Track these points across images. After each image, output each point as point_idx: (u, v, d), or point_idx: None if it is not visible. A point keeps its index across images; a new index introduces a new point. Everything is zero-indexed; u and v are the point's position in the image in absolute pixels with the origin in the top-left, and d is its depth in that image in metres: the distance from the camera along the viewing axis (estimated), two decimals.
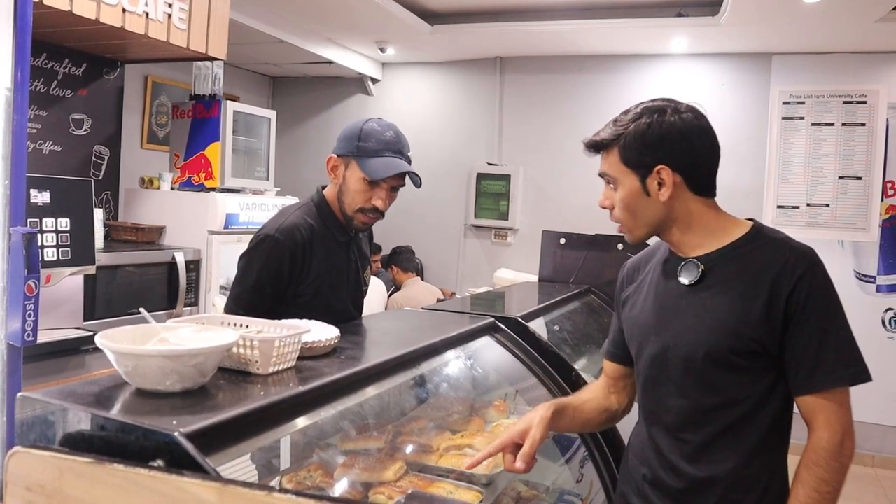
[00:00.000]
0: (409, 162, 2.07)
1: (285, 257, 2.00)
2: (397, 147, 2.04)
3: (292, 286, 2.03)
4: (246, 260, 2.05)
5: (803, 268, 1.43)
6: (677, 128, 1.48)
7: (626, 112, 1.54)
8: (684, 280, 1.53)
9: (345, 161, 2.08)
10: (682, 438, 1.53)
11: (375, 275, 4.90)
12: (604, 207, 1.59)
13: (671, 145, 1.48)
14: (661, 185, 1.49)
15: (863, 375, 1.42)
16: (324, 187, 2.18)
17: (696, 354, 1.48)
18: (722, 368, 1.47)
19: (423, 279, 5.90)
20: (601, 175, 1.57)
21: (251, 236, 2.09)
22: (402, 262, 5.54)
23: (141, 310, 1.47)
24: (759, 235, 1.52)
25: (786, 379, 1.47)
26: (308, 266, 2.04)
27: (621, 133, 1.50)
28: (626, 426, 1.90)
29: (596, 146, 1.56)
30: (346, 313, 2.15)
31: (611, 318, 1.83)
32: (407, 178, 2.10)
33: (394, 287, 5.61)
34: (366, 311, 2.35)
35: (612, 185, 1.54)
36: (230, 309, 1.98)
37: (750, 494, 1.48)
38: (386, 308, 5.22)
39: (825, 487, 1.39)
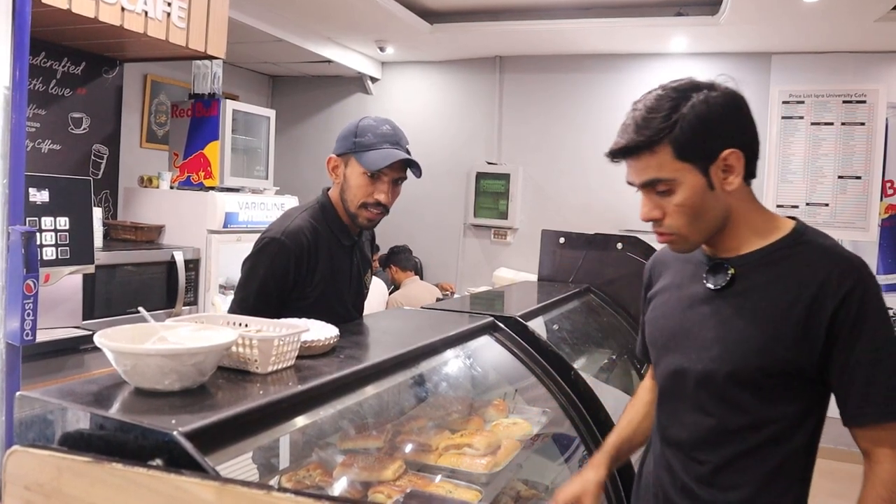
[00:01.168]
0: (409, 154, 2.06)
1: (290, 261, 1.99)
2: (394, 139, 2.04)
3: (296, 290, 2.02)
4: (251, 263, 2.03)
5: (852, 281, 1.24)
6: (734, 101, 1.30)
7: (645, 100, 1.30)
8: (710, 283, 1.36)
9: (344, 159, 2.07)
10: (697, 458, 1.38)
11: (374, 274, 4.90)
12: (651, 220, 1.36)
13: (736, 122, 1.29)
14: (727, 171, 1.29)
15: None
16: (328, 189, 2.17)
17: (716, 372, 1.32)
18: (747, 389, 1.31)
19: (422, 278, 5.90)
20: (645, 185, 1.32)
21: (250, 235, 2.09)
22: (401, 261, 5.54)
23: (140, 309, 1.47)
24: (802, 238, 1.33)
25: (823, 401, 1.32)
26: (312, 270, 2.03)
27: (672, 123, 1.26)
28: None
29: (635, 149, 1.30)
30: (348, 317, 2.14)
31: (610, 318, 1.80)
32: (409, 172, 2.09)
33: (392, 286, 5.61)
34: (366, 311, 2.35)
35: (662, 192, 1.31)
36: (234, 312, 1.97)
37: None
38: (386, 307, 5.22)
39: None
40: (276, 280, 1.99)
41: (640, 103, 1.31)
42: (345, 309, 2.15)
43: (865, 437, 1.28)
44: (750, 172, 1.33)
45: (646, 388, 1.69)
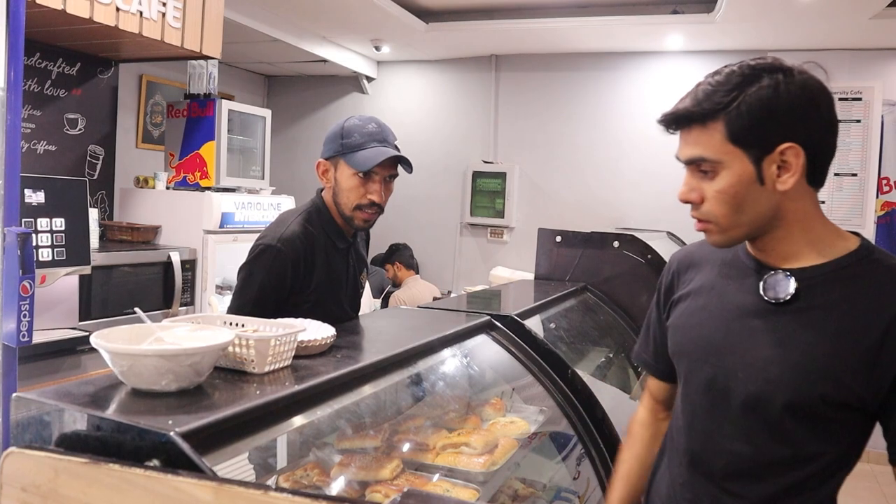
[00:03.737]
0: (398, 150, 2.05)
1: (287, 268, 1.98)
2: (381, 136, 2.02)
3: (294, 295, 2.01)
4: (247, 271, 2.02)
5: None
6: (810, 92, 1.17)
7: (717, 73, 1.19)
8: (769, 295, 1.22)
9: (333, 162, 2.06)
10: (732, 491, 1.24)
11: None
12: (688, 202, 1.24)
13: (804, 116, 1.16)
14: (782, 168, 1.16)
15: None
16: (322, 190, 2.16)
17: (772, 397, 1.18)
18: (804, 419, 1.17)
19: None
20: (691, 161, 1.21)
21: (247, 236, 2.09)
22: (403, 259, 5.54)
23: (136, 309, 1.47)
24: (871, 256, 1.20)
25: (867, 438, 1.21)
26: (309, 275, 2.03)
27: (731, 101, 1.15)
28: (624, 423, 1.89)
29: (687, 118, 1.19)
30: (344, 317, 2.14)
31: (607, 316, 1.72)
32: (400, 168, 2.08)
33: (391, 285, 5.60)
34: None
35: (705, 172, 1.20)
36: None
37: None
38: (388, 306, 5.22)
39: None
40: (273, 287, 1.98)
41: (711, 75, 1.21)
42: (341, 310, 2.15)
43: None
44: (816, 177, 1.20)
45: (643, 423, 1.53)
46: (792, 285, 1.20)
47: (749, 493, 1.22)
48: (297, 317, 1.88)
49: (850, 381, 1.13)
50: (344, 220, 2.09)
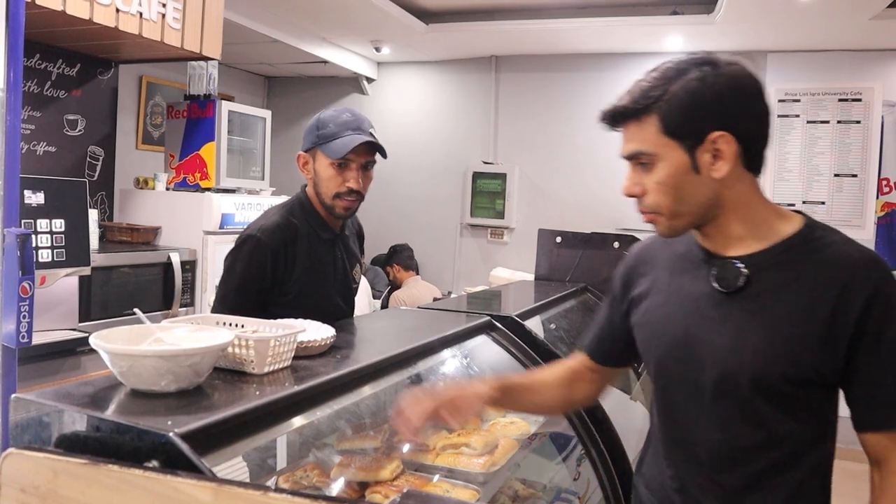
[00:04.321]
0: (374, 138, 2.07)
1: (267, 257, 2.02)
2: (355, 125, 2.05)
3: (277, 285, 2.04)
4: (230, 261, 2.07)
5: (876, 281, 1.17)
6: (737, 83, 1.21)
7: (654, 70, 1.25)
8: (721, 286, 1.25)
9: (311, 154, 2.11)
10: (717, 479, 1.28)
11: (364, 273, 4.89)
12: (632, 195, 1.29)
13: (732, 105, 1.20)
14: (716, 157, 1.20)
15: None
16: (306, 186, 2.20)
17: (739, 383, 1.22)
18: (769, 399, 1.22)
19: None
20: (630, 156, 1.26)
21: None
22: (403, 260, 5.54)
23: (135, 310, 1.47)
24: (815, 235, 1.24)
25: (833, 410, 1.26)
26: (292, 265, 2.06)
27: (661, 94, 1.20)
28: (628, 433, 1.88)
29: (622, 115, 1.25)
30: (337, 311, 2.16)
31: None
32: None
33: (390, 286, 5.60)
34: (356, 312, 2.35)
35: (645, 165, 1.24)
36: (216, 310, 2.00)
37: None
38: (388, 306, 5.22)
39: None
40: (254, 277, 2.02)
41: (648, 72, 1.27)
42: (331, 304, 2.16)
43: (882, 442, 1.21)
44: (753, 164, 1.24)
45: (567, 365, 1.59)
46: (742, 273, 1.23)
47: (733, 478, 1.26)
48: (283, 307, 1.90)
49: (808, 358, 1.18)
50: (326, 210, 2.13)
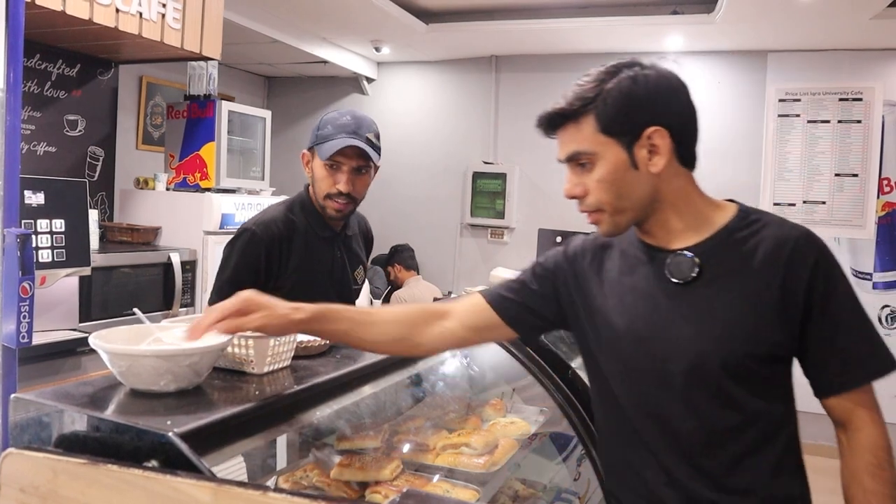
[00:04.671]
0: (376, 144, 2.09)
1: (261, 250, 2.05)
2: (352, 129, 2.07)
3: (271, 279, 2.07)
4: (226, 253, 2.11)
5: (815, 253, 1.25)
6: (666, 80, 1.28)
7: (586, 75, 1.30)
8: (676, 278, 1.29)
9: (311, 153, 2.14)
10: (700, 465, 1.29)
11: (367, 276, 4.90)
12: (573, 197, 1.34)
13: (664, 101, 1.26)
14: (652, 152, 1.26)
15: (894, 360, 1.26)
16: (309, 184, 2.22)
17: (708, 366, 1.25)
18: (739, 381, 1.25)
19: None
20: (570, 157, 1.31)
21: None
22: (404, 259, 5.54)
23: (135, 310, 1.47)
24: (751, 219, 1.30)
25: (792, 391, 1.31)
26: (286, 259, 2.09)
27: (597, 95, 1.26)
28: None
29: (561, 117, 1.29)
30: None
31: None
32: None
33: (390, 286, 5.60)
34: None
35: (584, 166, 1.30)
36: (213, 301, 2.02)
37: None
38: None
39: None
40: (247, 269, 2.05)
41: (581, 77, 1.31)
42: (327, 301, 2.16)
43: (843, 404, 1.26)
44: (686, 158, 1.29)
45: (429, 308, 1.49)
46: (695, 263, 1.28)
47: (715, 463, 1.29)
48: None
49: (768, 334, 1.24)
50: (320, 210, 2.16)
